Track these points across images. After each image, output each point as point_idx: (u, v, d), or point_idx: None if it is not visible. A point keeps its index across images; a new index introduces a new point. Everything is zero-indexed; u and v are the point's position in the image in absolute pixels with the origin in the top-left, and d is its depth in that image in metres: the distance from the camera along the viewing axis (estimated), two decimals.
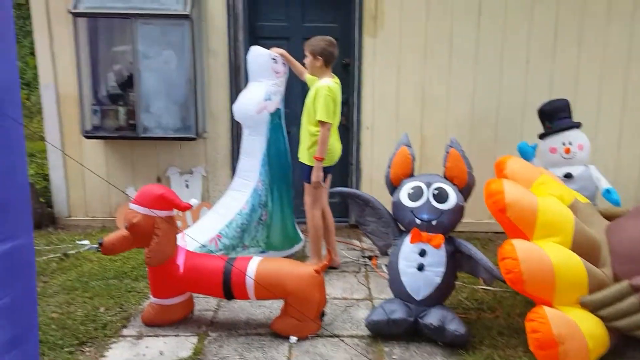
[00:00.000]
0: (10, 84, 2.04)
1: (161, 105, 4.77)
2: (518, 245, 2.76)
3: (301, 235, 4.50)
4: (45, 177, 5.24)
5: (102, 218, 5.11)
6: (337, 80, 3.92)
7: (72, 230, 4.96)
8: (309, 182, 3.93)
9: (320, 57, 3.83)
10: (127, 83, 4.85)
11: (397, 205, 3.25)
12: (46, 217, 5.01)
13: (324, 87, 3.76)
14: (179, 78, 4.75)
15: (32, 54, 5.34)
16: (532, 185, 3.25)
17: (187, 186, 5.09)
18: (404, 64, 4.89)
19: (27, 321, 2.21)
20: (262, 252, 4.17)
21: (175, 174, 5.09)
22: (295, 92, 4.94)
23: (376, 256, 4.37)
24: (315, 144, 3.82)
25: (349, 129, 5.08)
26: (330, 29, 4.97)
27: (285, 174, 4.27)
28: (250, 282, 3.05)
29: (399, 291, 3.18)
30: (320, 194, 4.05)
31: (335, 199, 5.25)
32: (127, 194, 5.05)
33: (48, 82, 4.85)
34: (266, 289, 3.04)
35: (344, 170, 5.16)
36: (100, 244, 3.07)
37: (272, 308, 3.47)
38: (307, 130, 3.89)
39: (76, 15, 4.50)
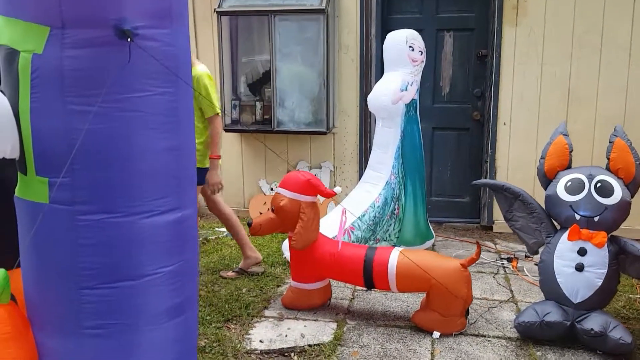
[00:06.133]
0: (185, 59, 2.16)
1: (295, 100, 4.88)
2: None
3: (432, 231, 4.36)
4: None
5: (236, 209, 5.30)
6: None
7: (211, 218, 5.23)
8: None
9: None
10: (259, 82, 5.04)
11: (553, 199, 3.00)
12: None
13: (205, 75, 3.31)
14: (312, 73, 4.83)
15: None
16: None
17: None
18: (547, 56, 4.57)
19: (190, 290, 2.31)
20: (394, 246, 4.08)
21: (305, 168, 5.17)
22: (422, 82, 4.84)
23: (516, 258, 4.10)
24: (204, 143, 3.38)
25: (483, 125, 4.85)
26: (466, 18, 4.80)
27: (419, 168, 4.16)
28: (392, 272, 2.98)
29: (553, 292, 2.93)
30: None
31: (465, 199, 5.05)
32: (261, 184, 5.23)
33: None
34: (410, 281, 2.95)
35: (477, 167, 4.93)
36: (250, 225, 3.18)
37: (408, 302, 3.37)
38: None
39: (220, 14, 4.75)
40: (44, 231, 1.99)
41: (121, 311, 2.04)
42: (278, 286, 3.62)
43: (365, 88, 4.86)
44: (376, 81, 4.63)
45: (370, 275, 3.04)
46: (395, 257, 3.00)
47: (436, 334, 2.94)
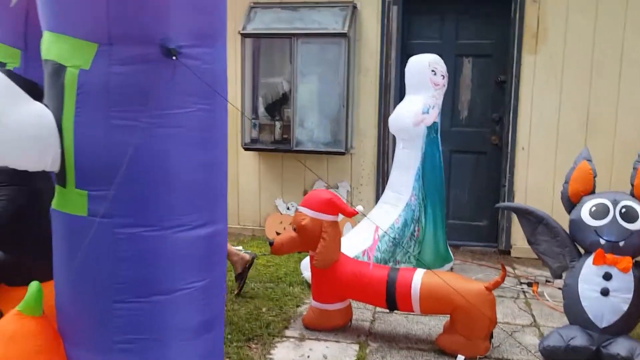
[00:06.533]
0: (222, 77, 2.21)
1: (314, 121, 4.94)
2: None
3: (452, 254, 4.35)
4: None
5: (252, 227, 5.34)
6: None
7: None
8: None
9: None
10: (279, 102, 5.11)
11: (577, 223, 3.00)
12: None
13: None
14: (332, 94, 4.90)
15: None
16: None
17: None
18: (566, 82, 4.61)
19: (218, 307, 2.31)
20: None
21: (322, 188, 5.19)
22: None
23: (537, 282, 4.07)
24: None
25: (501, 149, 4.88)
26: (485, 45, 4.87)
27: (440, 190, 4.17)
28: (415, 294, 2.97)
29: (578, 317, 2.90)
30: None
31: (482, 222, 5.05)
32: (277, 206, 5.26)
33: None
34: (433, 303, 2.95)
35: (495, 191, 4.93)
36: (271, 244, 3.19)
37: (430, 325, 3.35)
38: None
39: (245, 35, 4.84)
40: (81, 243, 2.01)
41: (152, 326, 2.05)
42: (297, 306, 3.61)
43: (384, 110, 4.91)
44: (395, 104, 4.69)
45: (393, 297, 3.03)
46: (418, 278, 3.00)
47: (460, 358, 2.91)
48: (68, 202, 2.04)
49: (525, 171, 4.79)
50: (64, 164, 2.01)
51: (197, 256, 2.14)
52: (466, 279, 3.08)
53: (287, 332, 3.23)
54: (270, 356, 2.95)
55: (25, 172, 2.46)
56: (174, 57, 1.90)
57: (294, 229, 3.20)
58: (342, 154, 4.92)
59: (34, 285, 2.10)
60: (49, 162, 2.01)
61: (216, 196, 2.22)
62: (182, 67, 1.94)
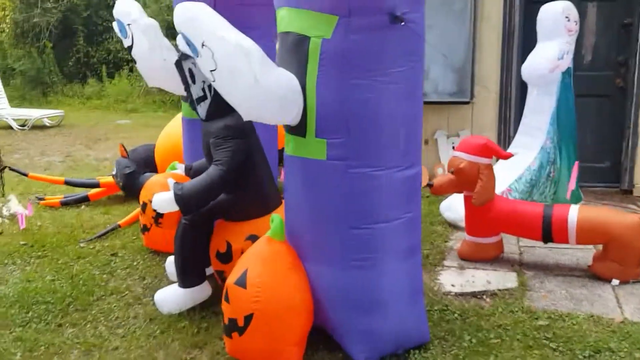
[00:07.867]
0: (423, 32, 2.53)
1: (439, 72, 5.19)
2: None
3: (581, 194, 4.58)
4: None
5: None
6: None
7: None
8: None
9: None
10: None
11: None
12: None
13: None
14: (456, 45, 5.11)
15: None
16: None
17: (453, 148, 5.46)
18: None
19: (419, 235, 2.71)
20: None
21: (442, 137, 5.50)
22: None
23: None
24: None
25: (626, 92, 4.95)
26: None
27: (573, 132, 4.37)
28: (572, 226, 3.27)
29: None
30: None
31: (604, 164, 5.19)
32: None
33: None
34: (589, 234, 3.24)
35: (618, 133, 5.04)
36: (430, 185, 3.57)
37: (577, 256, 3.65)
38: None
39: None
40: (320, 182, 2.46)
41: (377, 247, 2.49)
42: (446, 241, 4.01)
43: (507, 58, 5.08)
44: (519, 51, 4.86)
45: (548, 230, 3.35)
46: (575, 212, 3.29)
47: (615, 282, 3.22)
48: (307, 149, 2.46)
49: None
50: (304, 118, 2.43)
51: (406, 193, 2.55)
52: (620, 211, 3.34)
53: (446, 263, 3.65)
54: (439, 281, 3.38)
55: (244, 128, 2.96)
56: (402, 23, 2.25)
57: (451, 172, 3.55)
58: (467, 103, 5.17)
59: (277, 217, 2.59)
60: (291, 117, 2.45)
61: (418, 142, 2.60)
62: (403, 30, 2.29)
